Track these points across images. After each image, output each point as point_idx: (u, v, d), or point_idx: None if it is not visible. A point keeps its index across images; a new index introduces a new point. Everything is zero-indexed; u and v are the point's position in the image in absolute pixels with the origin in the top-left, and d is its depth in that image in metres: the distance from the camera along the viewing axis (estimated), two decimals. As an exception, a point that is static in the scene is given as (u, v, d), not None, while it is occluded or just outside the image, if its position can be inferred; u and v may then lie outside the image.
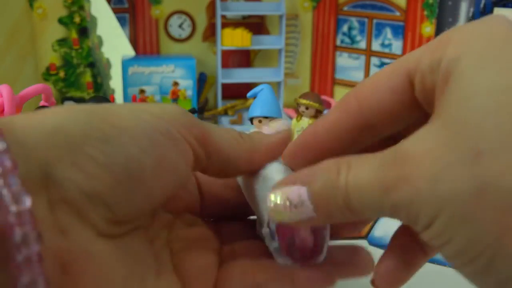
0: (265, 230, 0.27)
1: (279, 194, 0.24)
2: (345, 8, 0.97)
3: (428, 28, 0.89)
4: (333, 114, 0.26)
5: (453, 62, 0.20)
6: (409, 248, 0.28)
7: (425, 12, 0.89)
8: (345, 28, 0.98)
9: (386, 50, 0.95)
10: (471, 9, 0.80)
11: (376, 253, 0.47)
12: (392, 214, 0.21)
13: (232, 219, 0.33)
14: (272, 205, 0.24)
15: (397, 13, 0.93)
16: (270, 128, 0.30)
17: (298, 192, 0.23)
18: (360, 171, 0.22)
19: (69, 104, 0.22)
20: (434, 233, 0.20)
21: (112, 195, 0.22)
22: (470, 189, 0.18)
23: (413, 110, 0.24)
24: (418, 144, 0.20)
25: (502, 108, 0.18)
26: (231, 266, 0.27)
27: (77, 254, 0.21)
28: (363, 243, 0.55)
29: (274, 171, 0.28)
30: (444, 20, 0.86)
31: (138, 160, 0.23)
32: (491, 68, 0.19)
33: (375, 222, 0.60)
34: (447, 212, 0.19)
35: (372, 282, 0.29)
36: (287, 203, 0.23)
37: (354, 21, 0.97)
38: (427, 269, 0.52)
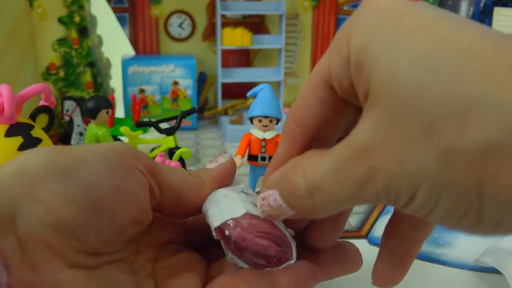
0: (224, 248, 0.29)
1: (261, 199, 0.26)
2: (345, 8, 0.97)
3: (428, 28, 0.89)
4: (283, 148, 0.27)
5: (360, 53, 0.21)
6: (398, 247, 0.28)
7: (425, 12, 0.89)
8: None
9: (386, 50, 0.95)
10: (471, 9, 0.80)
11: (377, 253, 0.47)
12: (370, 201, 0.22)
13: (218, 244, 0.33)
14: (261, 209, 0.27)
15: (397, 13, 0.93)
16: (214, 163, 0.32)
17: (274, 197, 0.25)
18: (317, 174, 0.23)
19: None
20: (417, 206, 0.20)
21: (76, 223, 0.23)
22: (437, 159, 0.19)
23: (346, 108, 0.25)
24: (372, 135, 0.21)
25: (428, 75, 0.19)
26: (213, 283, 0.28)
27: (47, 285, 0.22)
28: (363, 242, 0.55)
29: (220, 191, 0.31)
30: (444, 19, 0.86)
31: (97, 187, 0.24)
32: (397, 44, 0.20)
33: (375, 222, 0.60)
34: (424, 185, 0.19)
35: (373, 283, 0.30)
36: (269, 206, 0.26)
37: (354, 21, 0.97)
38: (427, 269, 0.52)
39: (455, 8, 0.83)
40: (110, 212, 0.25)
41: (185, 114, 0.67)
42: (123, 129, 0.66)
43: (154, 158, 0.65)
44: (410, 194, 0.20)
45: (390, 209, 0.63)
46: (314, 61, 1.04)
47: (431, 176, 0.19)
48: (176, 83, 0.94)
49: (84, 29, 0.87)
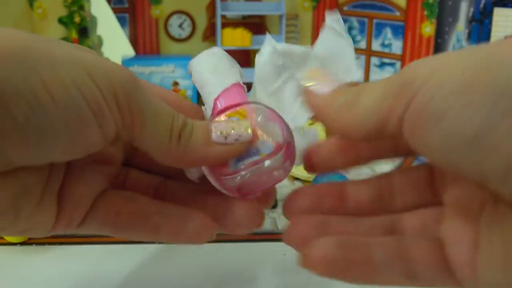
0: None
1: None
2: (345, 8, 0.97)
3: (428, 28, 0.89)
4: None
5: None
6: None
7: (425, 12, 0.89)
8: (345, 28, 0.98)
9: (386, 50, 0.95)
10: (471, 9, 0.80)
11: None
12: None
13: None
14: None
15: (397, 13, 0.93)
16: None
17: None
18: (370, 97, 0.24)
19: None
20: (436, 79, 0.21)
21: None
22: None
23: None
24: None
25: None
26: (108, 195, 0.28)
27: None
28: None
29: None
30: (444, 20, 0.86)
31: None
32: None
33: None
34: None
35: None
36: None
37: (354, 21, 0.97)
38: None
39: (455, 9, 0.83)
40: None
41: (185, 114, 0.67)
42: (123, 129, 0.66)
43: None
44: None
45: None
46: (314, 61, 1.04)
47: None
48: (176, 83, 0.94)
49: (84, 30, 0.87)
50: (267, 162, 0.27)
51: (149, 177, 0.32)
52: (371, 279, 0.25)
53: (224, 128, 0.27)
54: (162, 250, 0.54)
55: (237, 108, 0.29)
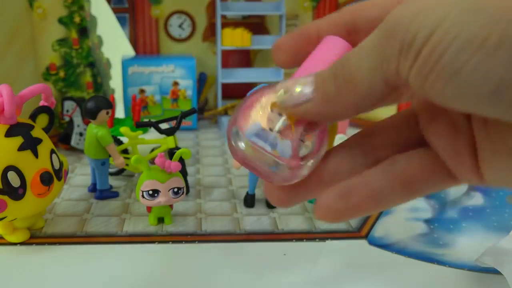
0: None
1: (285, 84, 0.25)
2: (345, 8, 0.98)
3: (428, 28, 0.89)
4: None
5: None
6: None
7: (425, 12, 0.89)
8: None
9: (386, 50, 0.95)
10: (471, 9, 0.80)
11: (376, 253, 0.47)
12: (391, 63, 0.21)
13: None
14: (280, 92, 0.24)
15: (397, 13, 0.93)
16: None
17: (306, 79, 0.24)
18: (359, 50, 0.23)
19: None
20: (443, 31, 0.19)
21: None
22: None
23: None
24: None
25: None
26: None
27: None
28: (363, 243, 0.55)
29: None
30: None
31: None
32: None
33: (374, 222, 0.60)
34: (456, 9, 0.19)
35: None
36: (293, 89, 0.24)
37: (354, 21, 0.97)
38: (427, 269, 0.52)
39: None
40: None
41: (185, 114, 0.67)
42: (123, 129, 0.66)
43: (154, 158, 0.65)
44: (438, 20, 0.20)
45: (390, 210, 0.63)
46: (314, 61, 1.04)
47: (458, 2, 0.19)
48: (176, 83, 0.94)
49: (84, 30, 0.87)
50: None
51: None
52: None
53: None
54: (162, 250, 0.54)
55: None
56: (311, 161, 0.26)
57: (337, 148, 0.28)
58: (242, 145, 0.25)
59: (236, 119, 0.26)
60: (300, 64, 0.27)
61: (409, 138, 0.27)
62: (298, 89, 0.24)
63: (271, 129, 0.25)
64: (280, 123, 0.25)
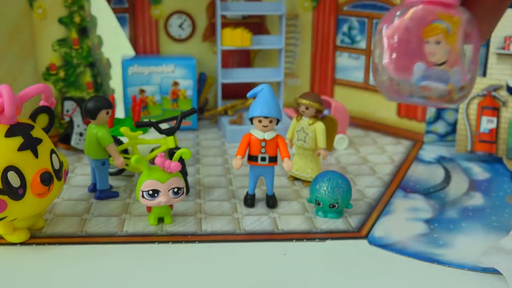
0: None
1: None
2: (345, 8, 0.97)
3: (428, 28, 0.89)
4: None
5: None
6: None
7: (425, 12, 0.89)
8: (345, 28, 0.98)
9: (386, 50, 0.95)
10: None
11: (376, 253, 0.47)
12: None
13: None
14: None
15: (397, 13, 0.93)
16: None
17: None
18: None
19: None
20: None
21: None
22: None
23: None
24: None
25: None
26: None
27: None
28: (363, 243, 0.55)
29: None
30: (444, 20, 0.86)
31: None
32: None
33: (375, 222, 0.60)
34: None
35: None
36: None
37: (354, 21, 0.97)
38: (427, 269, 0.52)
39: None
40: None
41: (185, 114, 0.67)
42: (123, 129, 0.66)
43: (154, 158, 0.65)
44: None
45: (390, 210, 0.63)
46: (314, 61, 1.04)
47: None
48: (176, 83, 0.94)
49: (84, 30, 0.87)
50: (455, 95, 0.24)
51: None
52: None
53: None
54: (162, 250, 0.54)
55: (453, 13, 0.24)
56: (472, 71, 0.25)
57: None
58: (411, 92, 0.24)
59: (389, 67, 0.23)
60: None
61: None
62: None
63: (435, 64, 0.23)
64: (442, 51, 0.23)
